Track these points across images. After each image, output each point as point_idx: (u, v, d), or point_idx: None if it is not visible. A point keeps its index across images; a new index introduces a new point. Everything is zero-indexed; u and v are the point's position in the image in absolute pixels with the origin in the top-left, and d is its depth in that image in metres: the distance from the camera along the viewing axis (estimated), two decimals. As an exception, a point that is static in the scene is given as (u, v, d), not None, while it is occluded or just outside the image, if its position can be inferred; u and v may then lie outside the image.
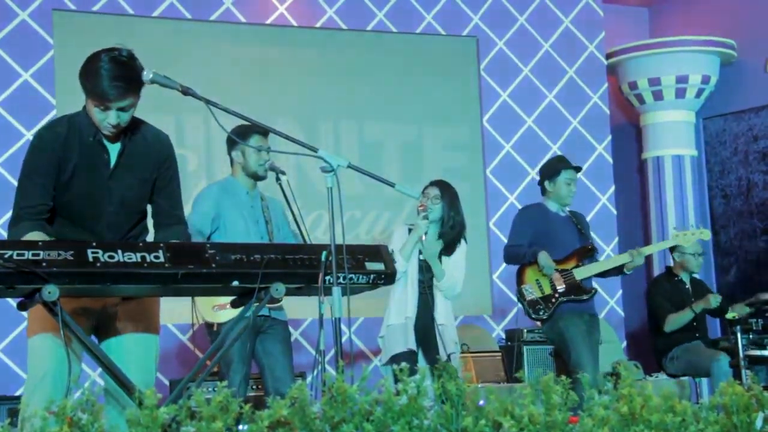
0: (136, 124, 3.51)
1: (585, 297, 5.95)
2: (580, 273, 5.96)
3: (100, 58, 3.31)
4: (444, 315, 5.71)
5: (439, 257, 5.72)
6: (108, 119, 3.33)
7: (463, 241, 5.80)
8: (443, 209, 5.71)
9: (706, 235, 6.51)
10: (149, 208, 3.65)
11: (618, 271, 6.15)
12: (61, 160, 3.39)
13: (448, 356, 5.63)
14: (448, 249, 5.74)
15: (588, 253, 6.05)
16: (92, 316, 3.47)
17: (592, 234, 6.54)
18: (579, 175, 6.25)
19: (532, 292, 6.00)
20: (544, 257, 5.93)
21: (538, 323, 6.35)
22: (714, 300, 7.10)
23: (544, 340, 6.75)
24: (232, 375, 4.83)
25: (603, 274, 6.13)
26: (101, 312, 3.49)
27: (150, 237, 3.65)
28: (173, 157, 3.61)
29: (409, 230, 5.71)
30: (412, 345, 5.58)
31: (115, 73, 3.27)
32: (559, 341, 5.96)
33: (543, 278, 5.97)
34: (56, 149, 3.39)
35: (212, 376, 5.80)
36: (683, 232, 6.53)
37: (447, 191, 5.76)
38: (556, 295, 5.95)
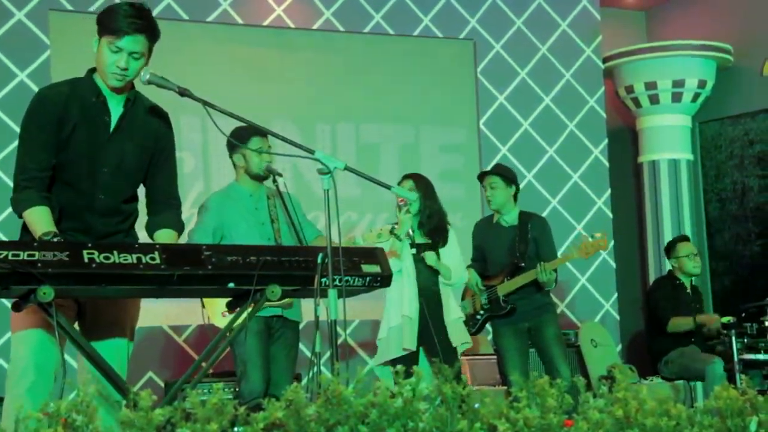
0: (140, 96, 3.58)
1: (501, 313, 6.02)
2: (502, 289, 6.03)
3: (118, 3, 3.49)
4: (456, 309, 5.81)
5: (436, 252, 5.72)
6: (118, 62, 3.40)
7: (449, 227, 5.84)
8: (420, 200, 5.72)
9: (605, 244, 6.06)
10: (142, 193, 3.66)
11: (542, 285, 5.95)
12: (61, 117, 3.44)
13: (454, 349, 5.68)
14: (440, 238, 5.76)
15: (516, 270, 5.98)
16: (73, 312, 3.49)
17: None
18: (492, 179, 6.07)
19: (466, 308, 6.23)
20: (469, 275, 6.09)
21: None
22: (716, 325, 7.07)
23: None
24: (250, 372, 4.81)
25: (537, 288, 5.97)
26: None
27: (141, 231, 3.66)
28: (172, 133, 3.67)
29: (391, 230, 5.60)
30: (409, 345, 5.54)
31: (131, 12, 3.42)
32: (497, 350, 6.23)
33: (476, 295, 6.16)
34: (57, 105, 3.44)
35: (208, 377, 5.78)
36: (581, 244, 6.01)
37: (420, 181, 5.79)
38: (481, 312, 6.13)
